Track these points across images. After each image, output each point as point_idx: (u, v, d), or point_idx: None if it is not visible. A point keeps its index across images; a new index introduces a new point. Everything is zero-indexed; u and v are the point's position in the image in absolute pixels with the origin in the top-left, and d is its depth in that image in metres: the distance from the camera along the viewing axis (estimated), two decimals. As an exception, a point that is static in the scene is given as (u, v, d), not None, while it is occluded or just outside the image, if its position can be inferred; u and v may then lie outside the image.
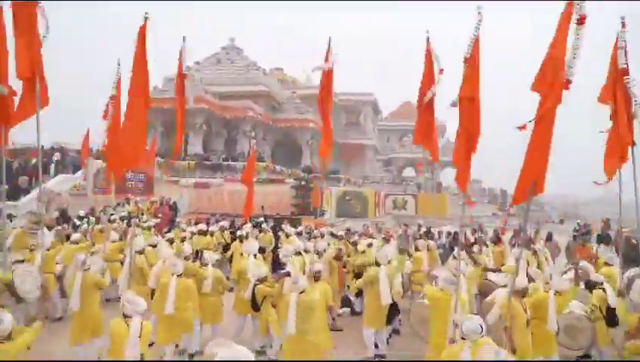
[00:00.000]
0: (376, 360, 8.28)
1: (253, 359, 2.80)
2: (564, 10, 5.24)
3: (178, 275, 7.50)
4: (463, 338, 4.85)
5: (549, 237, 15.94)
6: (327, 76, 9.60)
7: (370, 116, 64.44)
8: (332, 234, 14.61)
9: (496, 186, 59.68)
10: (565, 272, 11.12)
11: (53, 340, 8.38)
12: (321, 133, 10.30)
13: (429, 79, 7.70)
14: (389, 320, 8.69)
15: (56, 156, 25.56)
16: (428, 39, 7.82)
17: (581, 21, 5.18)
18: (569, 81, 5.16)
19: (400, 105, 74.51)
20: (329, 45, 9.28)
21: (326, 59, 9.37)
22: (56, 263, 10.22)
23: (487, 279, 9.59)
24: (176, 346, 7.92)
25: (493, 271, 10.27)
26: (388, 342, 9.05)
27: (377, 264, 8.39)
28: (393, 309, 8.66)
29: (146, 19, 6.97)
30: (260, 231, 15.11)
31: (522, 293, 6.56)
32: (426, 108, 7.89)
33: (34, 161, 21.41)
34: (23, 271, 8.33)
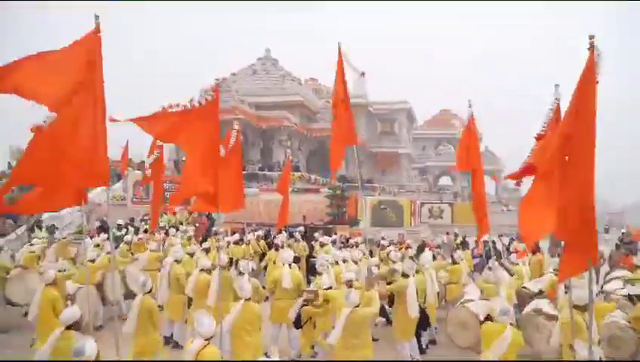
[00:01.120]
0: None
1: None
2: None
3: (246, 299, 6.84)
4: None
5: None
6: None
7: (405, 124, 64.00)
8: (355, 243, 14.53)
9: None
10: (606, 282, 10.84)
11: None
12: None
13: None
14: (420, 331, 8.60)
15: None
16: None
17: None
18: None
19: (436, 113, 73.90)
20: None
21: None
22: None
23: (523, 287, 9.41)
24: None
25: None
26: (425, 352, 8.98)
27: (405, 275, 8.27)
28: (423, 320, 8.57)
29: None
30: (294, 241, 15.17)
31: (584, 308, 6.10)
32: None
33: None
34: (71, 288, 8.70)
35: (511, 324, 6.10)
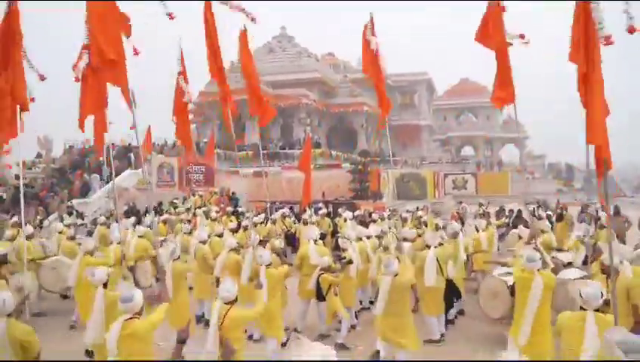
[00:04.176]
0: (440, 340, 8.22)
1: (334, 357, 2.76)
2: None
3: (267, 266, 7.34)
4: (582, 308, 4.69)
5: (617, 212, 15.24)
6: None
7: (424, 96, 63.34)
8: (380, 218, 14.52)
9: (561, 161, 57.70)
10: (637, 247, 10.71)
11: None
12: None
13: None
14: (449, 303, 8.61)
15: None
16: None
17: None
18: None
19: (456, 82, 72.55)
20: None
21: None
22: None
23: (554, 257, 9.35)
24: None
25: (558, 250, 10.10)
26: (453, 323, 9.01)
27: (427, 246, 8.33)
28: (451, 293, 8.58)
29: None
30: (320, 217, 15.22)
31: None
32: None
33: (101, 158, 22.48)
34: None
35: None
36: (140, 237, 11.05)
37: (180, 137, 10.16)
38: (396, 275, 6.48)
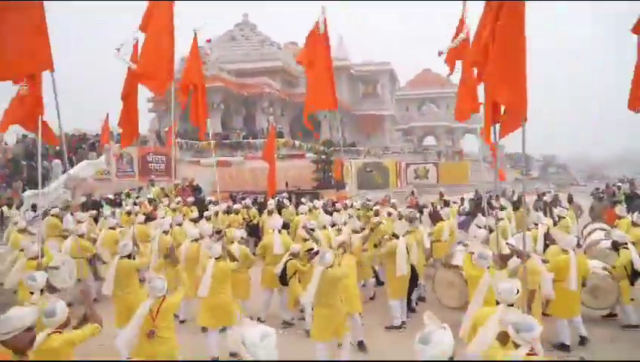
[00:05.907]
0: (401, 326, 8.36)
1: (274, 337, 2.82)
2: None
3: (216, 258, 7.26)
4: (497, 303, 4.81)
5: (570, 200, 16.02)
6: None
7: (387, 86, 63.71)
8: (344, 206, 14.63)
9: (519, 151, 58.99)
10: (590, 233, 11.15)
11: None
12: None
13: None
14: (409, 290, 8.78)
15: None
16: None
17: None
18: None
19: (418, 73, 73.22)
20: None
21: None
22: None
23: (508, 243, 9.61)
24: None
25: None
26: (415, 310, 9.15)
27: (396, 236, 8.45)
28: (413, 279, 8.75)
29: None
30: (282, 207, 15.21)
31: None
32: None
33: (57, 148, 21.78)
34: (59, 260, 8.68)
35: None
36: (110, 228, 10.96)
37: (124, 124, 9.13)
38: (329, 267, 6.39)
